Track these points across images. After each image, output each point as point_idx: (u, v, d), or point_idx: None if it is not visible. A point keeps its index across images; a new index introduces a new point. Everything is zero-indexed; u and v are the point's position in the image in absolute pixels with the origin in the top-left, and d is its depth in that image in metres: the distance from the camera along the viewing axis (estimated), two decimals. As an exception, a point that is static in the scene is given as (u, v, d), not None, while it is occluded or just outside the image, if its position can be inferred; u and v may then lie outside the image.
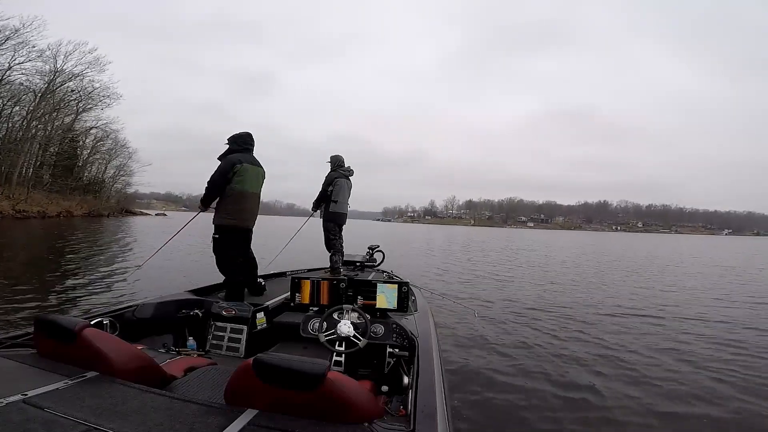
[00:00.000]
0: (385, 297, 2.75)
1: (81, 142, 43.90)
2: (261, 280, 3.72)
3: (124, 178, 51.02)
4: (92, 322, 1.94)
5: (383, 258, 5.86)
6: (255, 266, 3.68)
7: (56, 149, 39.05)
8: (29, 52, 32.24)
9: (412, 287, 3.15)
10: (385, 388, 2.10)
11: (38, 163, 37.88)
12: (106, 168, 48.85)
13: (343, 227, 5.59)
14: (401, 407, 1.65)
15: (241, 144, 3.49)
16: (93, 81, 38.30)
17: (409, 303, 2.82)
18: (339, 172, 5.35)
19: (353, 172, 5.48)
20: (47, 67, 34.58)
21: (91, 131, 43.26)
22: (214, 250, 3.48)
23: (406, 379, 2.10)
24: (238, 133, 3.54)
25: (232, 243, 3.47)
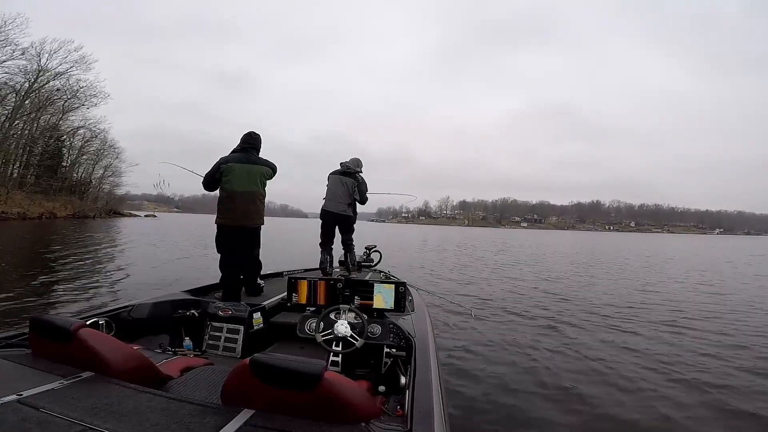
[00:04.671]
0: (382, 297, 2.74)
1: (68, 143, 43.34)
2: (261, 281, 3.72)
3: (111, 178, 50.57)
4: (88, 322, 1.93)
5: (380, 258, 5.86)
6: (257, 266, 3.67)
7: (40, 149, 38.44)
8: (13, 50, 31.96)
9: (409, 287, 3.16)
10: (382, 388, 2.10)
11: (19, 164, 37.16)
12: (93, 168, 48.33)
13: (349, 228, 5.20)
14: (398, 407, 1.65)
15: (241, 144, 3.56)
16: (79, 80, 37.95)
17: (406, 303, 2.80)
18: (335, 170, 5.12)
19: (352, 168, 5.03)
20: (33, 66, 34.24)
21: (79, 131, 42.83)
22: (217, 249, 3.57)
23: (403, 379, 2.10)
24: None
25: (227, 242, 3.50)
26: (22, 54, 32.98)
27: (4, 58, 31.93)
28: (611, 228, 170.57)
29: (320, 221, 5.11)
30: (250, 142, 3.56)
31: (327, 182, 5.11)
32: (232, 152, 3.54)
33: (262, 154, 3.64)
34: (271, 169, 3.62)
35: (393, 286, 2.77)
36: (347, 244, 5.15)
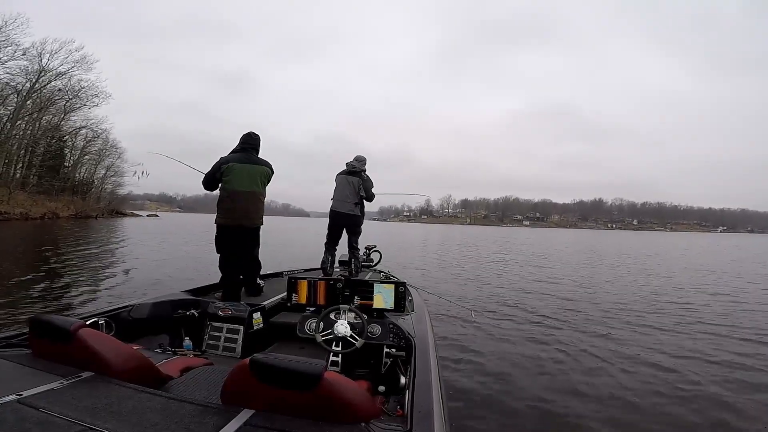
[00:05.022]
0: (382, 297, 2.74)
1: (71, 143, 43.34)
2: (261, 281, 3.73)
3: (113, 178, 50.35)
4: (88, 322, 1.93)
5: (380, 258, 5.85)
6: (256, 266, 3.68)
7: (42, 149, 38.45)
8: (14, 50, 31.93)
9: (409, 287, 3.16)
10: (382, 388, 2.11)
11: (21, 164, 37.16)
12: (96, 169, 48.28)
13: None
14: (398, 407, 1.65)
15: (241, 144, 3.56)
16: (80, 80, 37.88)
17: (406, 303, 2.81)
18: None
19: (357, 167, 4.96)
20: (34, 66, 34.15)
21: (81, 131, 42.71)
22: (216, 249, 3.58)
23: (403, 379, 2.11)
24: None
25: (227, 241, 3.50)
26: (23, 54, 33.05)
27: (5, 58, 32.00)
28: (614, 226, 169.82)
29: (328, 221, 5.07)
30: (250, 142, 3.57)
31: (335, 183, 5.05)
32: (232, 152, 3.55)
33: (261, 155, 3.64)
34: (270, 170, 3.62)
35: (393, 286, 2.77)
36: (353, 248, 5.07)
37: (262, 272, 3.81)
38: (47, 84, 36.03)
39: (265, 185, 3.59)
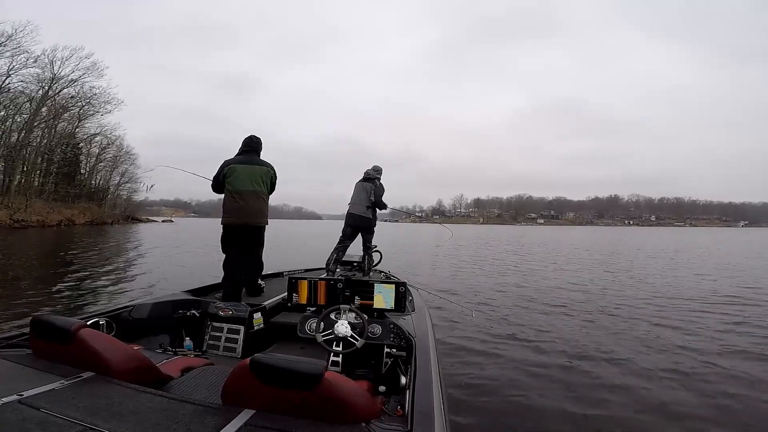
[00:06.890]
0: (383, 297, 2.74)
1: (86, 150, 44.11)
2: (262, 282, 3.77)
3: (128, 184, 51.11)
4: (88, 323, 1.97)
5: (381, 258, 5.88)
6: (259, 266, 3.72)
7: (58, 157, 39.23)
8: (27, 59, 32.54)
9: (409, 287, 3.15)
10: (382, 388, 2.09)
11: (38, 171, 37.90)
12: (111, 175, 49.11)
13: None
14: (399, 407, 1.64)
15: (242, 147, 3.66)
16: (93, 87, 38.71)
17: (407, 303, 2.80)
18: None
19: (371, 174, 5.60)
20: (46, 74, 34.76)
21: (95, 138, 43.53)
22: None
23: (403, 379, 2.09)
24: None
25: (231, 241, 3.56)
26: (35, 62, 33.68)
27: (18, 66, 32.54)
28: (630, 223, 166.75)
29: (344, 223, 5.63)
30: (251, 145, 3.66)
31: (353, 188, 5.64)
32: (235, 156, 3.64)
33: (269, 158, 3.71)
34: (271, 170, 3.67)
35: (393, 286, 2.76)
36: (368, 246, 5.57)
37: (262, 272, 3.85)
38: (60, 91, 36.80)
39: (267, 185, 3.65)
